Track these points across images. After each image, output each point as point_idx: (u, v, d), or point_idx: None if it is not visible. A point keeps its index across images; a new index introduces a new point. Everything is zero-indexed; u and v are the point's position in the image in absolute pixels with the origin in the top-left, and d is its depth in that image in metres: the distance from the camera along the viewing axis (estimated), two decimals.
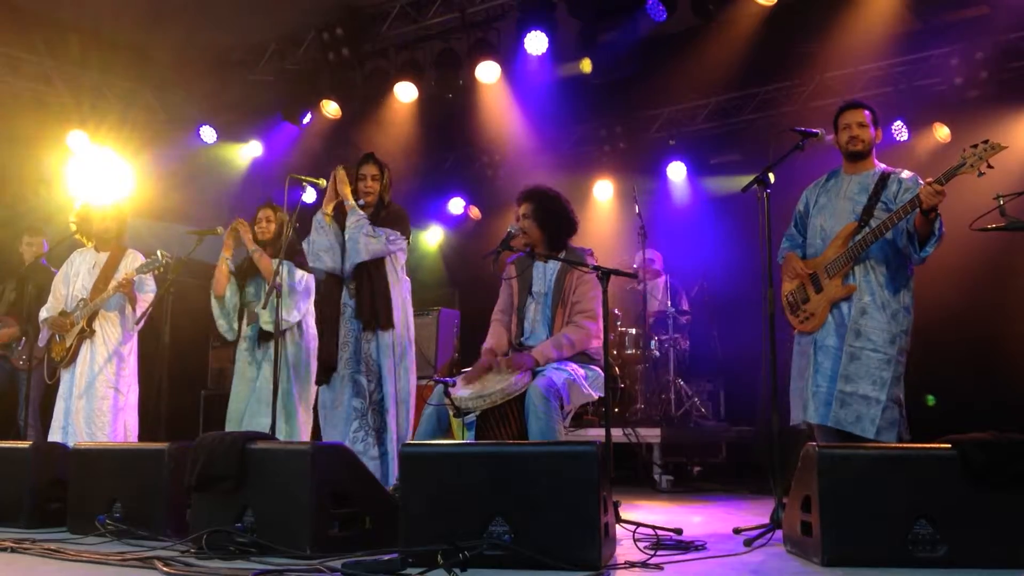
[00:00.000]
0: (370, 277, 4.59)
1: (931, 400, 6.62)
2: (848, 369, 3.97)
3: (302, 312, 5.20)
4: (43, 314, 5.66)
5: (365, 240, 4.53)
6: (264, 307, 5.08)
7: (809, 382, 4.09)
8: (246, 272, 5.38)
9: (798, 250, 4.33)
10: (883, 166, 4.22)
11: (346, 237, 4.60)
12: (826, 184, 4.34)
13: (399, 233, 4.67)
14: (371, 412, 4.56)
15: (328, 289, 4.75)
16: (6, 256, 6.62)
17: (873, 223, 4.01)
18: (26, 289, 6.20)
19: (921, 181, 4.03)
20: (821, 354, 4.09)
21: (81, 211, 5.78)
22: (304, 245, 4.77)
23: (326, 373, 4.63)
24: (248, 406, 5.14)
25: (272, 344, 4.99)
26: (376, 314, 4.55)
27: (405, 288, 4.76)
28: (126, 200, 6.35)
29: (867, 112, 4.19)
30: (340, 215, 4.72)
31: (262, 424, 4.91)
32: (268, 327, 5.11)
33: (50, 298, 5.71)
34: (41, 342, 5.72)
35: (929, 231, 3.83)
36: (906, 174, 4.12)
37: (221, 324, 5.39)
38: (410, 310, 4.77)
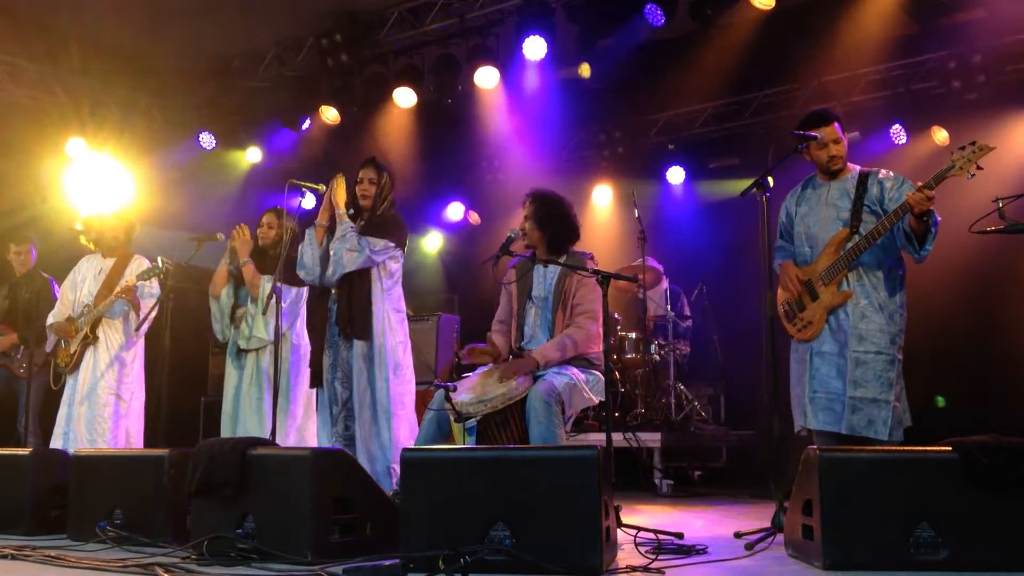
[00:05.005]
0: (351, 286, 4.52)
1: (941, 401, 6.61)
2: (855, 374, 3.98)
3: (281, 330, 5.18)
4: (50, 319, 5.68)
5: (348, 255, 4.44)
6: (264, 313, 5.10)
7: (806, 388, 4.11)
8: (242, 277, 5.39)
9: (791, 259, 4.33)
10: (858, 168, 4.23)
11: (331, 249, 4.50)
12: (803, 192, 4.34)
13: (389, 242, 4.54)
14: (341, 419, 4.51)
15: (317, 297, 4.75)
16: (2, 264, 6.62)
17: (863, 229, 4.02)
18: (20, 296, 6.20)
19: (905, 179, 4.04)
20: (818, 360, 4.10)
21: (88, 219, 5.78)
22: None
23: (315, 378, 4.63)
24: (235, 409, 5.27)
25: (248, 355, 5.26)
26: (352, 323, 4.48)
27: (394, 297, 4.62)
28: (130, 207, 6.35)
29: (836, 124, 4.16)
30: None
31: (246, 430, 5.12)
32: (242, 343, 5.25)
33: (58, 303, 5.73)
34: (48, 347, 5.75)
35: (925, 230, 3.84)
36: (884, 173, 4.14)
37: (216, 326, 5.44)
38: (397, 318, 4.61)
